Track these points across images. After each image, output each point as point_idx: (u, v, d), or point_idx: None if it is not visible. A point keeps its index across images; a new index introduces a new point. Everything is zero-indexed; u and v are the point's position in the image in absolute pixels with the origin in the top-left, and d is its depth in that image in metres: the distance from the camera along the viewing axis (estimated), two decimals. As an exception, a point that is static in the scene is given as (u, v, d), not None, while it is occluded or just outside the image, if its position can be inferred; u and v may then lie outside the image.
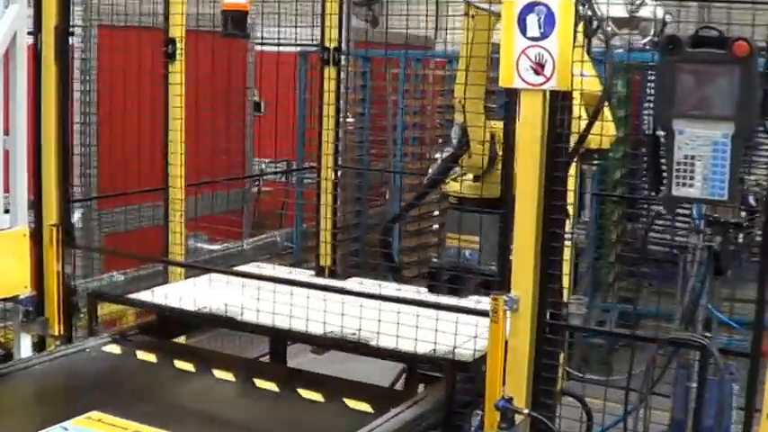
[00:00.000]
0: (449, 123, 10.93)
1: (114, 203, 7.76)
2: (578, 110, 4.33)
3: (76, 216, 7.77)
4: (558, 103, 3.85)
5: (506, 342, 3.98)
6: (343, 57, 6.79)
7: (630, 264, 9.99)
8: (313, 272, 6.08)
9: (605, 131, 5.10)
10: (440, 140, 11.12)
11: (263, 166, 9.98)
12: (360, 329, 4.60)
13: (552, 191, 3.86)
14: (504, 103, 4.01)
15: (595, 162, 6.69)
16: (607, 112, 5.13)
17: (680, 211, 4.90)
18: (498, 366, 3.96)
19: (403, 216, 8.93)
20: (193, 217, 7.62)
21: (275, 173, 10.03)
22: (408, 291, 5.42)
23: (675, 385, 5.16)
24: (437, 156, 10.40)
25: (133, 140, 7.49)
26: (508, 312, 3.93)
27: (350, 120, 10.41)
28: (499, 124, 6.01)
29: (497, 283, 4.06)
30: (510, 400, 3.88)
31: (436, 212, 10.43)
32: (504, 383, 3.95)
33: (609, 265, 10.09)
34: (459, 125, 6.05)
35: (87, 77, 7.91)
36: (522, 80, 3.84)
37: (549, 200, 3.87)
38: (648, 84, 9.90)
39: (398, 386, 5.63)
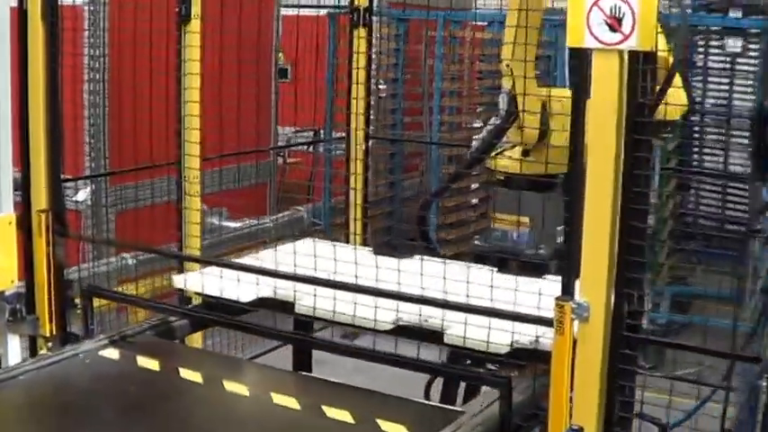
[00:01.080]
0: (488, 91, 10.33)
1: (125, 179, 7.09)
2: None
3: (85, 193, 7.17)
4: (640, 66, 3.14)
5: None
6: (374, 18, 6.24)
7: (683, 240, 9.40)
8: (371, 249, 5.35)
9: (676, 100, 4.44)
10: (478, 109, 10.43)
11: (289, 135, 9.26)
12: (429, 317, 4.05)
13: (633, 175, 3.16)
14: (571, 68, 3.27)
15: (665, 135, 5.96)
16: (678, 78, 4.51)
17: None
18: (564, 389, 3.27)
19: (444, 191, 8.17)
20: (213, 192, 7.01)
21: (303, 143, 9.28)
22: (478, 271, 4.69)
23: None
24: (476, 124, 9.81)
25: (146, 109, 6.79)
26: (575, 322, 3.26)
27: (382, 86, 9.72)
28: (556, 91, 5.40)
29: (560, 272, 3.43)
30: (579, 431, 3.20)
31: (474, 185, 9.74)
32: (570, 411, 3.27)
33: (661, 243, 9.37)
34: (507, 92, 5.37)
35: (96, 40, 7.23)
36: (595, 38, 3.14)
37: (629, 186, 3.17)
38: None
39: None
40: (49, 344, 4.44)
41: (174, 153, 5.24)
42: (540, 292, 3.74)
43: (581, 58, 3.23)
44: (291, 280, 4.19)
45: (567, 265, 3.33)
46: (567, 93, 5.66)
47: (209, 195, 6.38)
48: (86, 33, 7.07)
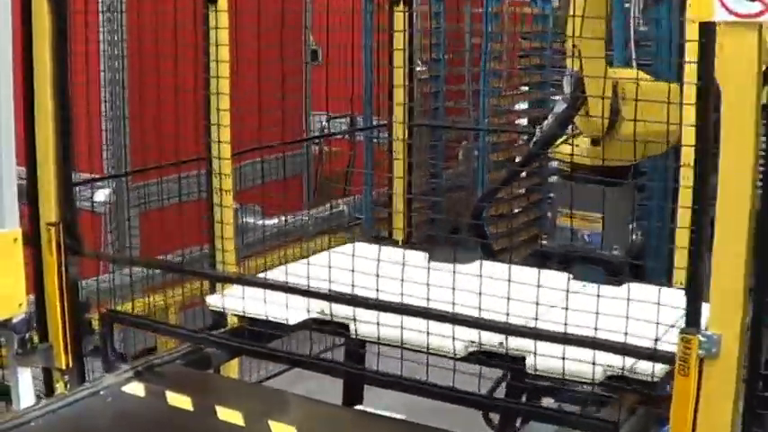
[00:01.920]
0: (532, 71, 9.65)
1: (148, 177, 6.48)
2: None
3: (105, 193, 6.58)
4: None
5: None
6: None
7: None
8: (427, 254, 4.68)
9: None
10: (520, 91, 9.75)
11: (324, 122, 8.60)
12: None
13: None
14: (702, 45, 2.62)
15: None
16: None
17: None
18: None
19: (500, 190, 7.41)
20: (244, 188, 6.40)
21: (340, 133, 8.58)
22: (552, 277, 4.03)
23: None
24: (519, 106, 9.12)
25: (170, 100, 6.18)
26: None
27: (420, 68, 9.04)
28: (623, 72, 4.81)
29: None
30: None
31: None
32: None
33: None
34: (574, 75, 4.77)
35: (115, 26, 6.62)
36: (727, 10, 2.50)
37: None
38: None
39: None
40: (66, 377, 3.85)
41: (202, 148, 4.74)
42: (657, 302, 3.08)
43: (708, 35, 2.59)
44: (351, 305, 3.57)
45: (691, 289, 2.69)
46: (641, 74, 5.10)
47: (239, 191, 5.79)
48: (101, 16, 6.42)
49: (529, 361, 3.36)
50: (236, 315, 4.01)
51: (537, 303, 3.22)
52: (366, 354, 4.27)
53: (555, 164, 6.50)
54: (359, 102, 8.38)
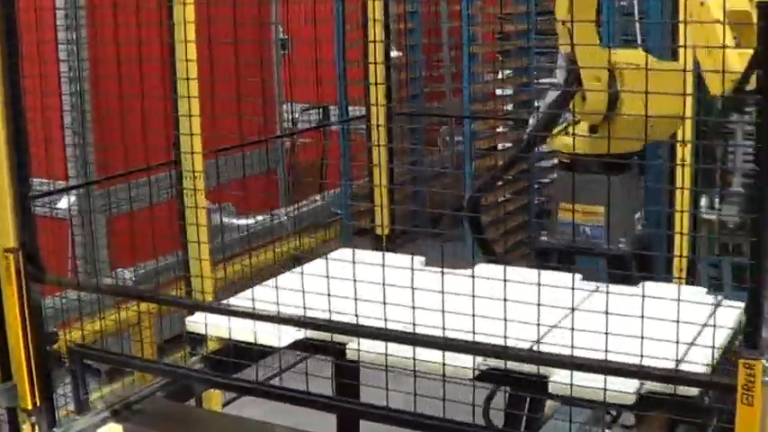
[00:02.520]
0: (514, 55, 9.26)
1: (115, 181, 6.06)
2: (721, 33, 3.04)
3: (69, 200, 6.15)
4: None
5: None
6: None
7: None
8: (423, 260, 4.26)
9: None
10: (498, 75, 9.35)
11: (297, 114, 8.17)
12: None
13: None
14: (761, 28, 2.24)
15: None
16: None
17: None
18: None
19: (496, 183, 6.99)
20: (214, 186, 6.00)
21: (317, 127, 8.14)
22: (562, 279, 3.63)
23: None
24: (501, 92, 8.74)
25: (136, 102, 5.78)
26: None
27: (395, 54, 8.65)
28: (621, 53, 4.46)
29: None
30: None
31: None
32: None
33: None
34: (566, 55, 4.43)
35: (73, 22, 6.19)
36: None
37: None
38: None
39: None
40: (32, 418, 3.44)
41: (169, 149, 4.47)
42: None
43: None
44: (353, 335, 3.16)
45: (752, 306, 2.33)
46: (636, 55, 4.76)
47: (210, 190, 5.41)
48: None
49: (553, 384, 2.98)
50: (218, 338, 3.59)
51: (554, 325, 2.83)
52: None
53: (544, 148, 6.18)
54: (331, 91, 8.00)
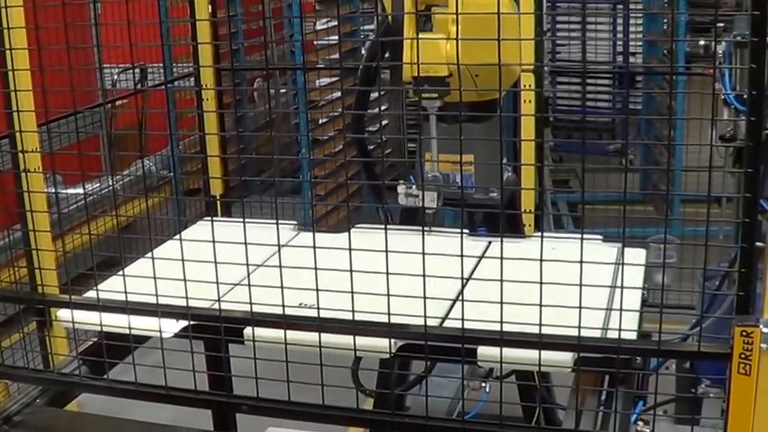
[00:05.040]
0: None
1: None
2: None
3: None
4: None
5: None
6: None
7: None
8: (294, 224, 3.96)
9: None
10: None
11: (116, 75, 7.63)
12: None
13: None
14: None
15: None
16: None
17: None
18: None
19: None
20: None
21: (139, 91, 7.61)
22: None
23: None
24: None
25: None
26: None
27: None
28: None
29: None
30: None
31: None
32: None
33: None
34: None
35: None
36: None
37: None
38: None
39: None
40: None
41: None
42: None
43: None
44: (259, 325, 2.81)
45: (744, 271, 2.17)
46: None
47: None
48: None
49: (483, 354, 2.75)
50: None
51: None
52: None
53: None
54: (150, 50, 7.52)
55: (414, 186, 4.10)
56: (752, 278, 2.16)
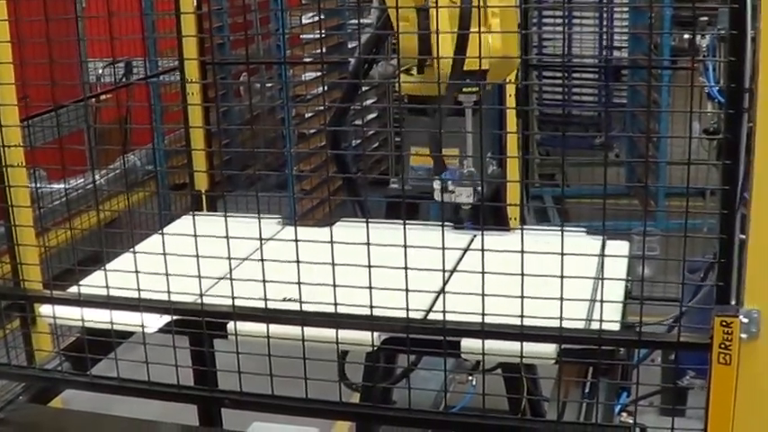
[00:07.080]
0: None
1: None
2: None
3: None
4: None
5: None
6: None
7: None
8: (279, 218, 3.93)
9: None
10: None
11: (101, 70, 7.62)
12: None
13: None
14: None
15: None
16: None
17: None
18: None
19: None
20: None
21: (125, 84, 7.60)
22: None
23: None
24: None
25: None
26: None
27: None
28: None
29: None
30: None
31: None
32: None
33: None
34: None
35: None
36: None
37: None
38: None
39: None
40: None
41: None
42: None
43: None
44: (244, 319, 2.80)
45: (724, 262, 2.18)
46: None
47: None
48: None
49: (466, 346, 2.76)
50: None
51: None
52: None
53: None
54: (135, 44, 7.50)
55: (450, 182, 4.08)
56: (731, 269, 2.17)
